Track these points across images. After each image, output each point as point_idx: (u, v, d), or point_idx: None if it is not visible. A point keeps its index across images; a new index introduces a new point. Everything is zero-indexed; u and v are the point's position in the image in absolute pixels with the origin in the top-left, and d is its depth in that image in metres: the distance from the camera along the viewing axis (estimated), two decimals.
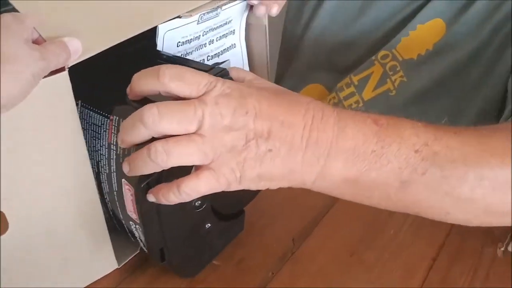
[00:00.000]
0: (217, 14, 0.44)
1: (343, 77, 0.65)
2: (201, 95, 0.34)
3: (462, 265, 0.45)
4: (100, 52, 0.34)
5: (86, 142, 0.37)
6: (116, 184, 0.38)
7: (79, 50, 0.34)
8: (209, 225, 0.41)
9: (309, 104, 0.36)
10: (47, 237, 0.38)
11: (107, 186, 0.39)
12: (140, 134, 0.34)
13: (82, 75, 0.34)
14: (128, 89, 0.35)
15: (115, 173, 0.37)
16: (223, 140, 0.34)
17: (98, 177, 0.39)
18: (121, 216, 0.40)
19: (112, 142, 0.37)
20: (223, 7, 0.44)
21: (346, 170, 0.36)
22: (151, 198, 0.36)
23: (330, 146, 0.36)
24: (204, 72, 0.35)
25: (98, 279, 0.43)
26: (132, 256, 0.44)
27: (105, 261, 0.43)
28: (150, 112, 0.33)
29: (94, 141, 0.38)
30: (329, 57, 0.67)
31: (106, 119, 0.37)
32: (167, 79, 0.33)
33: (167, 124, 0.33)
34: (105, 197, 0.40)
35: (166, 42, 0.42)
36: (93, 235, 0.41)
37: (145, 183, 0.35)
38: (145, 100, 0.34)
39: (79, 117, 0.37)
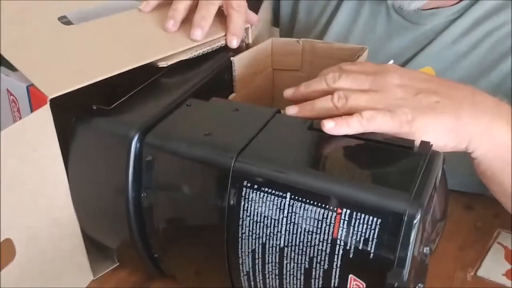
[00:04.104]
0: None
1: None
2: None
3: None
4: None
5: (293, 236, 0.37)
6: (337, 280, 0.36)
7: None
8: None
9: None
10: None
11: (319, 282, 0.37)
12: (320, 86, 0.45)
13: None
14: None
15: (338, 269, 0.36)
16: (395, 94, 0.43)
17: (306, 272, 0.38)
18: None
19: (338, 237, 0.36)
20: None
21: (509, 131, 0.43)
22: (329, 124, 0.40)
23: (492, 107, 0.44)
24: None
25: None
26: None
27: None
28: (333, 73, 0.45)
29: (309, 235, 0.37)
30: None
31: (330, 212, 0.36)
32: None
33: (343, 83, 0.44)
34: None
35: None
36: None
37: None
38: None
39: (287, 210, 0.37)
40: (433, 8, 0.66)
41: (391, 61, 0.61)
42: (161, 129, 0.42)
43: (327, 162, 0.40)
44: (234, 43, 0.54)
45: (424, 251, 0.38)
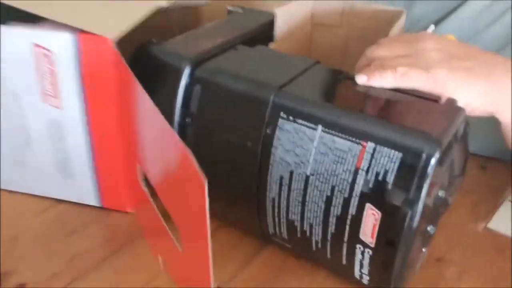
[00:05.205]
0: None
1: None
2: None
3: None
4: None
5: (320, 165, 0.40)
6: (355, 208, 0.40)
7: None
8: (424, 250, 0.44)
9: None
10: None
11: (338, 209, 0.41)
12: (361, 62, 0.48)
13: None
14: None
15: (357, 198, 0.39)
16: (430, 56, 0.46)
17: (327, 200, 0.41)
18: (329, 236, 0.42)
19: (361, 168, 0.39)
20: None
21: None
22: (361, 78, 0.44)
23: None
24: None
25: None
26: None
27: None
28: (370, 48, 0.49)
29: (334, 165, 0.40)
30: None
31: (356, 145, 0.39)
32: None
33: (380, 52, 0.47)
34: (308, 216, 0.42)
35: None
36: None
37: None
38: None
39: (317, 141, 0.41)
40: None
41: (432, 26, 0.64)
42: (210, 65, 0.47)
43: (357, 103, 0.44)
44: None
45: (440, 194, 0.41)
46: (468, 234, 0.54)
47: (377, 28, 0.58)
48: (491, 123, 0.49)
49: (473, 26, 0.68)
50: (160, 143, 0.40)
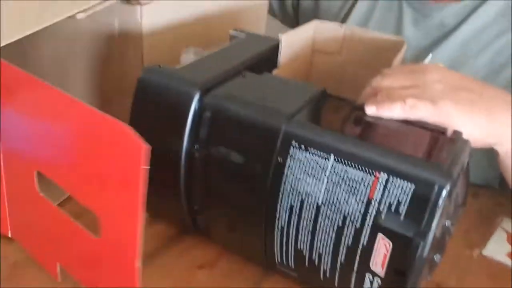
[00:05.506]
0: None
1: None
2: None
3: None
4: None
5: (332, 195, 0.41)
6: (366, 238, 0.40)
7: None
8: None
9: None
10: None
11: (349, 239, 0.41)
12: (366, 92, 0.49)
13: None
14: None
15: (369, 228, 0.40)
16: (435, 88, 0.47)
17: (338, 230, 0.42)
18: (339, 266, 0.42)
19: (373, 198, 0.40)
20: None
21: None
22: (371, 109, 0.45)
23: None
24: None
25: None
26: None
27: None
28: (375, 77, 0.49)
29: (346, 195, 0.41)
30: None
31: (369, 175, 0.40)
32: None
33: (385, 82, 0.48)
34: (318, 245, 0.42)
35: None
36: None
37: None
38: None
39: (329, 171, 0.41)
40: (442, 0, 0.72)
41: (430, 56, 0.65)
42: (219, 91, 0.47)
43: (367, 133, 0.45)
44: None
45: (446, 224, 0.42)
46: (464, 260, 0.55)
47: (376, 55, 0.59)
48: (482, 152, 0.51)
49: (462, 54, 0.70)
50: (87, 130, 0.39)
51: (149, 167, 0.34)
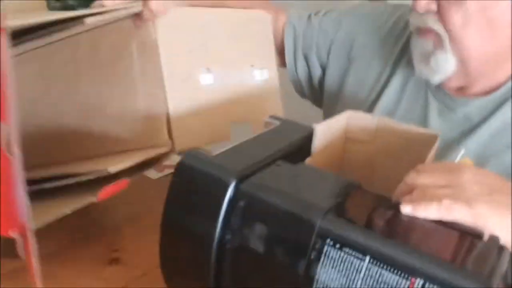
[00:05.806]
0: None
1: None
2: None
3: None
4: None
5: None
6: None
7: None
8: None
9: None
10: None
11: None
12: (400, 189, 0.49)
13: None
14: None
15: None
16: (471, 189, 0.46)
17: None
18: None
19: None
20: None
21: None
22: (407, 209, 0.45)
23: None
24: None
25: None
26: None
27: None
28: (410, 175, 0.49)
29: None
30: None
31: (404, 280, 0.39)
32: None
33: (420, 180, 0.48)
34: None
35: None
36: None
37: None
38: None
39: (363, 272, 0.40)
40: (466, 96, 0.73)
41: (462, 151, 0.65)
42: (255, 180, 0.47)
43: (403, 233, 0.44)
44: None
45: None
46: None
47: (408, 148, 0.59)
48: None
49: (489, 149, 0.70)
50: None
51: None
